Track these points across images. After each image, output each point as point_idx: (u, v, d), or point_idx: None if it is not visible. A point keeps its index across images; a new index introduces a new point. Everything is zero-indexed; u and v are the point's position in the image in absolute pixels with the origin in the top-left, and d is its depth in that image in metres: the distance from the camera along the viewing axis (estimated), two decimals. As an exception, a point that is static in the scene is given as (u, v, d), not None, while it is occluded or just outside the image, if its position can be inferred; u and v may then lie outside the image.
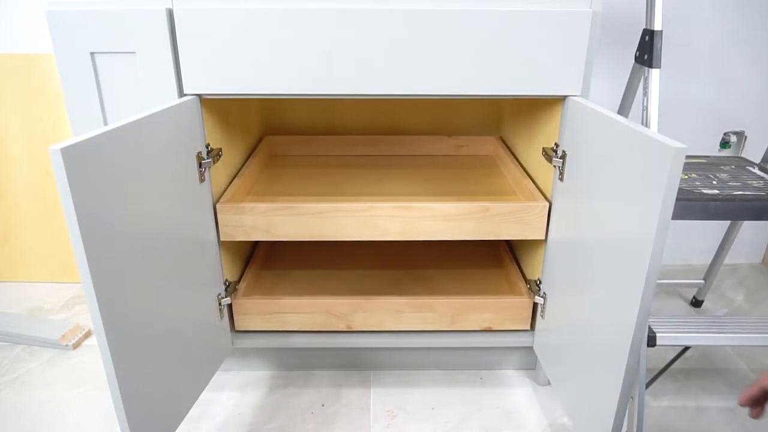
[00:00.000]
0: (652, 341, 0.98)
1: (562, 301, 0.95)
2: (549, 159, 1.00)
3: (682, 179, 1.13)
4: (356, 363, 1.24)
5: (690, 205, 1.03)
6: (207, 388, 1.18)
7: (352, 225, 1.03)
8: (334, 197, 1.16)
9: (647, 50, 0.97)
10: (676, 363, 1.27)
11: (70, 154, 0.62)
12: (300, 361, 1.23)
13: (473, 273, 1.31)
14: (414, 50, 0.90)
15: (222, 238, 1.04)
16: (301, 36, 0.89)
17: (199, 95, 0.94)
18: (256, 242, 1.40)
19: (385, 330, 1.16)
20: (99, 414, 1.11)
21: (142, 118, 0.76)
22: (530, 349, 1.20)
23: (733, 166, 1.22)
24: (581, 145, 0.87)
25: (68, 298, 1.51)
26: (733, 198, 1.04)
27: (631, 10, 1.43)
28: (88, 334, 1.35)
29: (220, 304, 1.06)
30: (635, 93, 1.15)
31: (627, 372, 0.72)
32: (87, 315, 1.43)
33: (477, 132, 1.51)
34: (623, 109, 1.19)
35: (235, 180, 1.15)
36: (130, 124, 0.73)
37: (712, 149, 1.59)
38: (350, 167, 1.37)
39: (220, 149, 1.04)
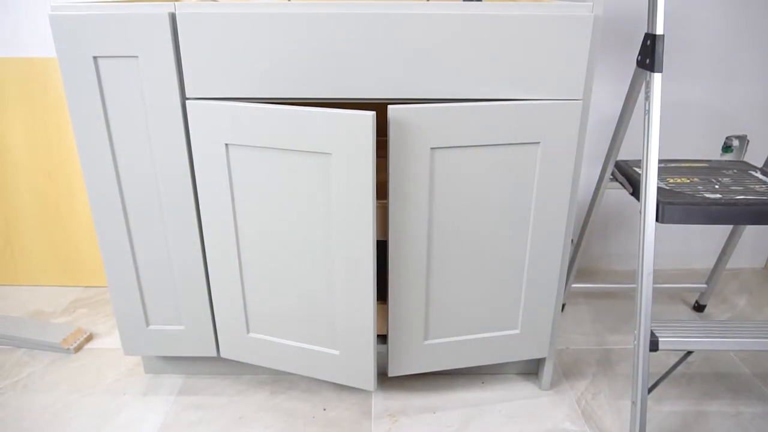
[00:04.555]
0: (654, 346, 0.98)
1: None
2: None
3: (684, 183, 1.13)
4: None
5: (692, 210, 1.03)
6: (207, 391, 1.18)
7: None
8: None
9: (649, 54, 0.97)
10: (679, 368, 1.27)
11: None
12: (301, 365, 1.23)
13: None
14: (417, 54, 0.90)
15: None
16: (304, 40, 0.90)
17: (201, 98, 0.94)
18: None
19: (385, 332, 1.15)
20: (100, 417, 1.11)
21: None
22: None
23: (735, 171, 1.22)
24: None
25: (70, 302, 1.51)
26: (735, 202, 1.03)
27: (632, 15, 1.43)
28: (89, 338, 1.35)
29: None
30: (637, 97, 1.15)
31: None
32: (88, 318, 1.43)
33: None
34: (625, 113, 1.19)
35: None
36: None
37: (714, 153, 1.59)
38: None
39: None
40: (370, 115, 0.86)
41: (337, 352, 1.06)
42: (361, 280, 0.98)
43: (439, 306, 1.06)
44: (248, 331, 1.09)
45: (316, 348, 1.07)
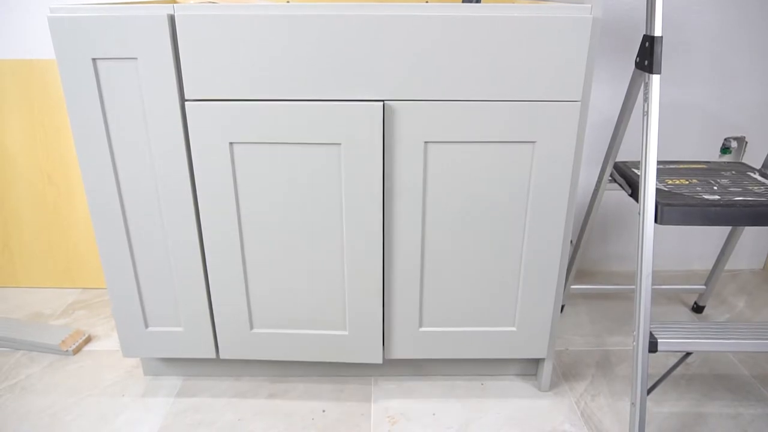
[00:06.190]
0: (653, 347, 0.98)
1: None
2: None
3: (683, 184, 1.13)
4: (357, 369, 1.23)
5: (691, 211, 1.03)
6: (206, 393, 1.18)
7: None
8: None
9: (647, 56, 0.97)
10: (678, 369, 1.27)
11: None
12: (300, 367, 1.23)
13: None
14: (415, 57, 0.90)
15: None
16: (303, 42, 0.90)
17: (200, 100, 0.94)
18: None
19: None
20: (99, 419, 1.11)
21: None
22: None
23: (733, 172, 1.23)
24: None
25: (68, 304, 1.51)
26: (734, 204, 1.04)
27: (631, 17, 1.44)
28: (88, 340, 1.35)
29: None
30: (636, 99, 1.15)
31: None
32: (87, 320, 1.43)
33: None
34: (624, 115, 1.19)
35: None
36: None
37: (713, 155, 1.59)
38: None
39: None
40: (378, 106, 0.92)
41: (346, 333, 1.10)
42: (370, 263, 1.03)
43: (433, 297, 1.09)
44: (252, 327, 1.10)
45: (325, 332, 1.10)
